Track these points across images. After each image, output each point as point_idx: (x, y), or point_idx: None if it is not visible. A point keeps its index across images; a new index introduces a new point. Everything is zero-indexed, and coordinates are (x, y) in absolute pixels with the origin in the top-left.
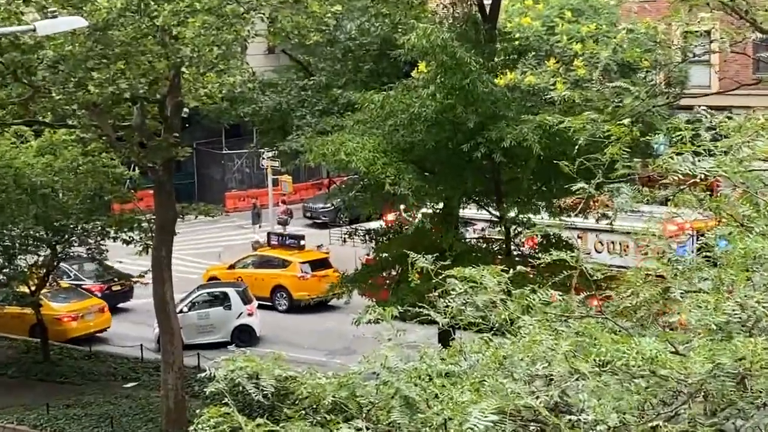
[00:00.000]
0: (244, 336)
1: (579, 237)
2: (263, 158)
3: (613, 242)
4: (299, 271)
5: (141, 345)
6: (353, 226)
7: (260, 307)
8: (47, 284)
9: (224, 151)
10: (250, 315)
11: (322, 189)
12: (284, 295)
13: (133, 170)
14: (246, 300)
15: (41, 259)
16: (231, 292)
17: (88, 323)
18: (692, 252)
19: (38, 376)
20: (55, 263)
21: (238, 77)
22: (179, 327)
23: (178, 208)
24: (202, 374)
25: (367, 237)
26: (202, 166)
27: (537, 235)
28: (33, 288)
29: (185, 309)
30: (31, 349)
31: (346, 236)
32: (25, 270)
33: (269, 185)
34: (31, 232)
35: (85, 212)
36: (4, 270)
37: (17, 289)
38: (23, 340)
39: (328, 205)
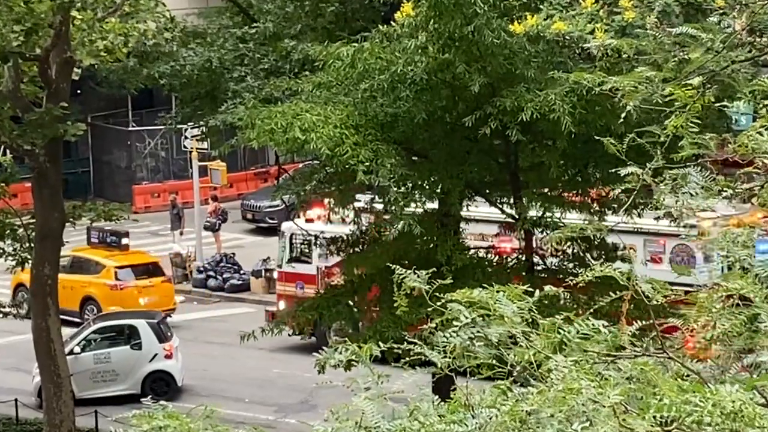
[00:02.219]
0: (160, 386)
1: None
2: (186, 137)
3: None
4: (113, 278)
5: (15, 400)
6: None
7: (69, 323)
8: None
9: (131, 128)
10: (168, 357)
11: (269, 180)
12: (94, 310)
13: (4, 154)
14: (162, 336)
15: None
16: (141, 325)
17: None
18: None
19: None
20: None
21: (151, 24)
22: (69, 374)
23: (68, 207)
24: None
25: (332, 247)
26: (101, 148)
27: (569, 242)
28: None
29: (77, 349)
30: None
31: (303, 246)
32: None
33: (194, 176)
34: None
35: None
36: None
37: None
38: None
39: (276, 202)
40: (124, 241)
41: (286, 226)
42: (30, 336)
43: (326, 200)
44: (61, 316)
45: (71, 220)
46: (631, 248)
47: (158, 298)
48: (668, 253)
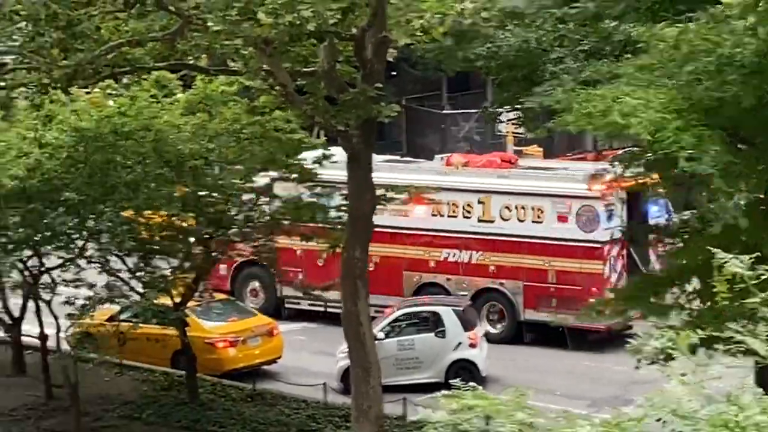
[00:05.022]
0: (464, 375)
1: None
2: (501, 121)
3: (524, 207)
4: None
5: (324, 384)
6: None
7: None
8: (196, 295)
9: (446, 111)
10: (472, 346)
11: None
12: None
13: (318, 136)
14: (467, 324)
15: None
16: (446, 312)
17: (251, 351)
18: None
19: (182, 422)
20: (208, 265)
21: (468, 3)
22: (377, 359)
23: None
24: (415, 417)
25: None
26: (415, 131)
27: None
28: (177, 300)
29: (381, 335)
30: (173, 385)
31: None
32: (167, 274)
33: None
34: (176, 221)
35: (248, 194)
36: (138, 274)
37: (156, 302)
38: (163, 371)
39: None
40: None
41: None
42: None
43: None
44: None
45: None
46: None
47: None
48: (574, 213)
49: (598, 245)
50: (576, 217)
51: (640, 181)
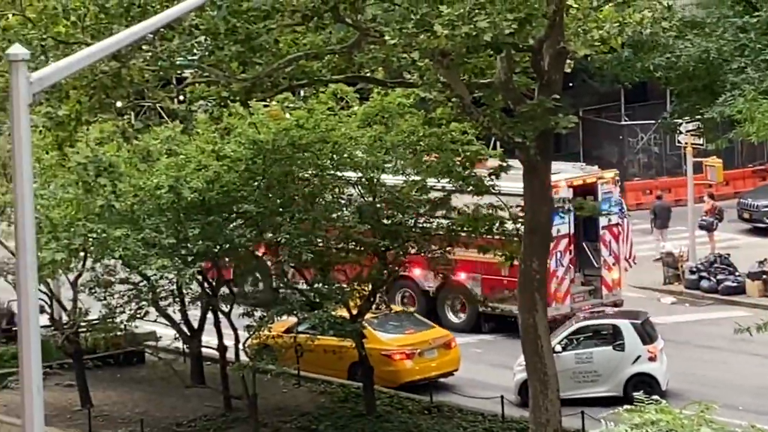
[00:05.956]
0: (643, 389)
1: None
2: (680, 132)
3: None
4: None
5: (501, 397)
6: None
7: None
8: (373, 307)
9: (623, 122)
10: (651, 360)
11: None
12: None
13: (494, 147)
14: (645, 338)
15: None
16: (624, 325)
17: (428, 363)
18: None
19: None
20: (384, 277)
21: (647, 13)
22: (555, 372)
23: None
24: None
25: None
26: (592, 143)
27: None
28: (354, 312)
29: (558, 348)
30: (350, 397)
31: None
32: (345, 286)
33: (688, 172)
34: (353, 233)
35: (425, 205)
36: (316, 286)
37: (333, 313)
38: (340, 383)
39: None
40: None
41: None
42: (516, 333)
43: None
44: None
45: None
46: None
47: None
48: None
49: None
50: None
51: (588, 180)
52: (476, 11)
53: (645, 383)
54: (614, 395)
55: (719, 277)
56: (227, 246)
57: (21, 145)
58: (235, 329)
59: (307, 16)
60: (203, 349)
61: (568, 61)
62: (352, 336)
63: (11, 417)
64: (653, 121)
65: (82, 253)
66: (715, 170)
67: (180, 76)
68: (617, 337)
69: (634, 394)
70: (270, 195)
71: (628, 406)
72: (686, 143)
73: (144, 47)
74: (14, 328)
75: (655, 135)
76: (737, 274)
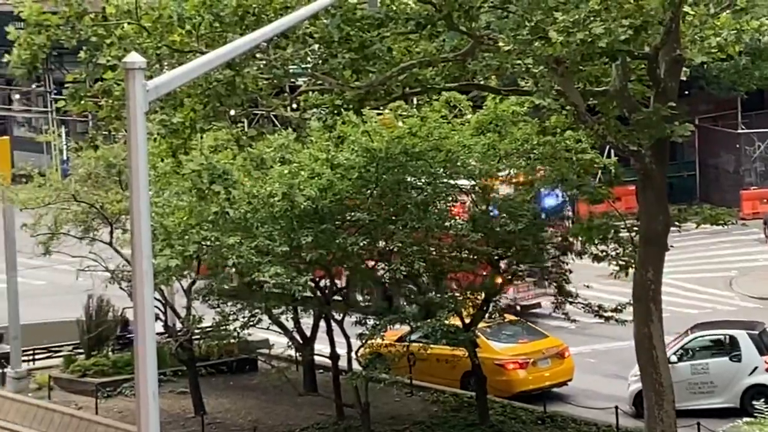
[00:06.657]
0: (760, 400)
1: None
2: None
3: None
4: None
5: (615, 407)
6: None
7: None
8: (487, 315)
9: (740, 131)
10: None
11: None
12: None
13: (609, 156)
14: (763, 348)
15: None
16: (741, 336)
17: (542, 373)
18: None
19: None
20: (497, 286)
21: (765, 20)
22: (671, 383)
23: (673, 211)
24: None
25: None
26: (708, 151)
27: None
28: (467, 320)
29: (673, 358)
30: (463, 406)
31: None
32: (457, 295)
33: None
34: (465, 242)
35: (538, 215)
36: (429, 294)
37: (446, 322)
38: (453, 392)
39: None
40: None
41: None
42: (625, 344)
43: None
44: None
45: (676, 223)
46: None
47: None
48: None
49: None
50: None
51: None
52: (591, 18)
53: (762, 394)
54: (730, 406)
55: None
56: (340, 254)
57: (137, 153)
58: (347, 337)
59: (420, 24)
60: (316, 358)
61: (684, 68)
62: (465, 345)
63: (126, 423)
64: None
65: (195, 261)
66: None
67: (293, 84)
68: (734, 348)
69: (754, 403)
70: (383, 203)
71: (748, 419)
72: None
73: (258, 55)
74: (128, 335)
75: None
76: None
